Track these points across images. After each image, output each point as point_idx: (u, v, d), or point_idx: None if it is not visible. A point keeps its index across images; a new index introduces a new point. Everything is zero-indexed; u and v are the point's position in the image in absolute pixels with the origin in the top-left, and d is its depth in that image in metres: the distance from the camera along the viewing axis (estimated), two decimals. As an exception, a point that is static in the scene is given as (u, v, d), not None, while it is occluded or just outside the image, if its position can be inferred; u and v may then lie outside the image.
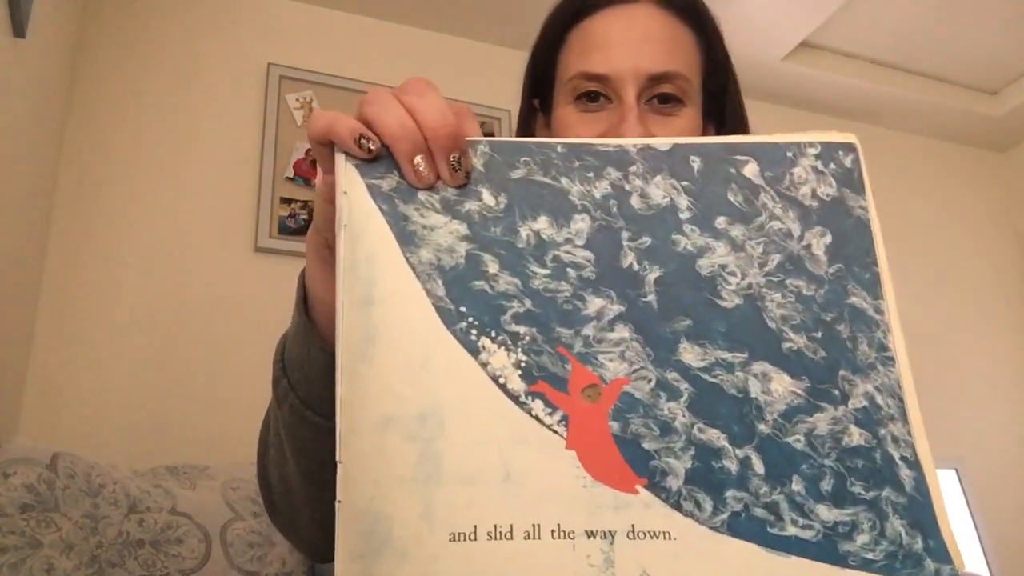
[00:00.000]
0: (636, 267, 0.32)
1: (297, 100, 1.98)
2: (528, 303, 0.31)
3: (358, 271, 0.32)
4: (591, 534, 0.27)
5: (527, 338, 0.31)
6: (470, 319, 0.31)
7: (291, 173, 1.91)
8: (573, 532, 0.27)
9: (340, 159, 0.35)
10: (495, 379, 0.30)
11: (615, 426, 0.29)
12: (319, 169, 0.39)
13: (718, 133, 0.64)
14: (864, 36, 2.42)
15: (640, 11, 0.61)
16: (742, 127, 0.66)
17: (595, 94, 0.61)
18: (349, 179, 0.34)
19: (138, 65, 1.85)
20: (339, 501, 0.29)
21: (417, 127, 0.35)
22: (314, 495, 0.47)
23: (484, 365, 0.30)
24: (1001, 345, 2.71)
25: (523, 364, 0.30)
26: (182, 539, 1.11)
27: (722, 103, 0.65)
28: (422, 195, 0.34)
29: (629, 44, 0.59)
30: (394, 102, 0.36)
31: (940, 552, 0.29)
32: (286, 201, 1.88)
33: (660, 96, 0.59)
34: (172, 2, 1.94)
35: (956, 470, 2.42)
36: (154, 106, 1.84)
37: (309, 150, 1.94)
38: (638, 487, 0.28)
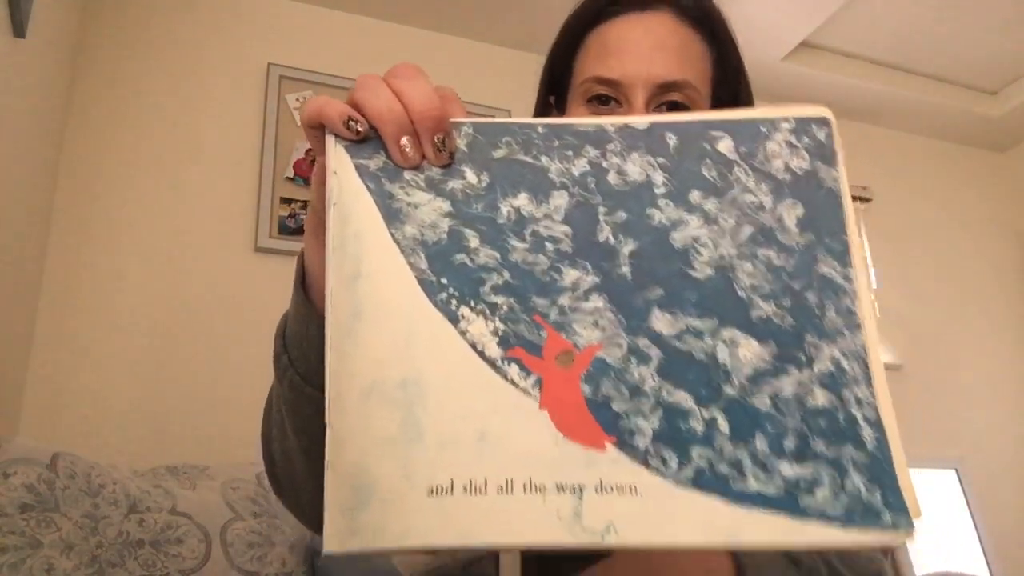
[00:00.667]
0: (612, 241, 0.34)
1: (297, 100, 1.98)
2: (506, 275, 0.33)
3: (346, 248, 0.33)
4: (561, 488, 0.29)
5: (505, 308, 0.32)
6: (451, 290, 0.32)
7: (291, 173, 1.91)
8: (544, 486, 0.29)
9: (330, 141, 0.36)
10: (473, 346, 0.31)
11: (587, 389, 0.31)
12: (319, 152, 0.41)
13: None
14: (864, 36, 2.42)
15: (656, 20, 0.63)
16: None
17: (606, 98, 0.63)
18: (338, 160, 0.36)
19: (138, 65, 1.85)
20: (328, 463, 0.30)
21: (404, 110, 0.36)
22: (315, 470, 0.48)
23: (463, 333, 0.32)
24: (1001, 345, 2.71)
25: (500, 332, 0.32)
26: (182, 539, 1.10)
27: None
28: (407, 174, 0.35)
29: (642, 52, 0.61)
30: (383, 86, 0.37)
31: (898, 505, 0.30)
32: (286, 201, 1.88)
33: (668, 104, 0.61)
34: (172, 2, 1.94)
35: (956, 470, 2.42)
36: (154, 106, 1.84)
37: (309, 150, 1.94)
38: (607, 444, 0.30)
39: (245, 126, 1.92)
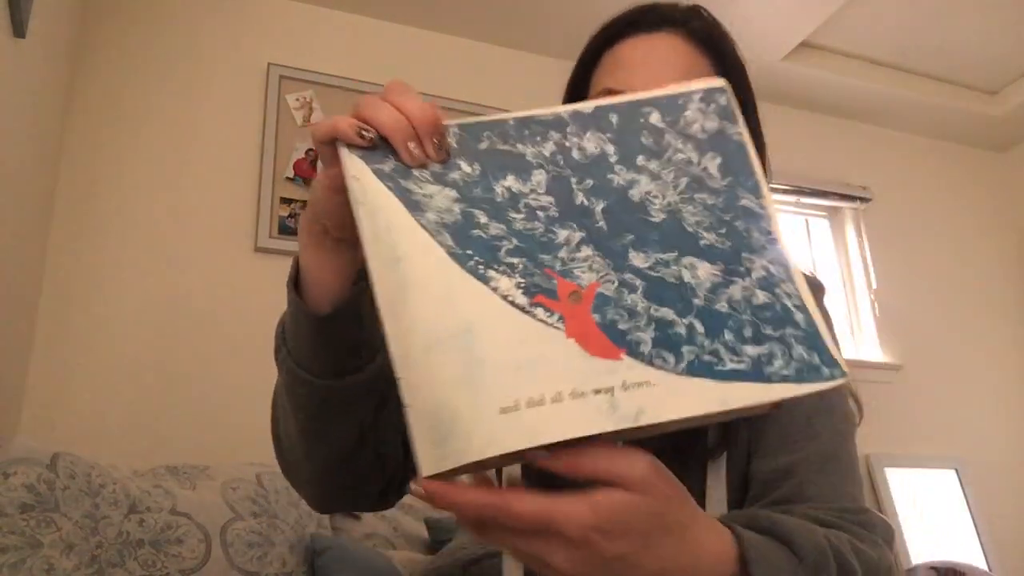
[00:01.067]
0: (586, 203, 0.43)
1: (297, 100, 1.98)
2: (515, 241, 0.41)
3: (381, 238, 0.40)
4: (597, 391, 0.37)
5: (520, 266, 0.40)
6: (476, 258, 0.40)
7: (291, 173, 1.91)
8: (585, 392, 0.37)
9: (344, 151, 0.43)
10: (505, 298, 0.39)
11: (596, 317, 0.39)
12: (320, 165, 0.47)
13: None
14: (864, 36, 2.42)
15: (663, 40, 0.71)
16: (758, 151, 0.70)
17: None
18: (356, 167, 0.42)
19: (138, 65, 1.86)
20: (408, 407, 0.36)
21: (406, 119, 0.43)
22: (310, 451, 0.56)
23: (495, 289, 0.39)
24: (1001, 345, 2.71)
25: (522, 285, 0.40)
26: (182, 539, 1.11)
27: None
28: (415, 172, 0.42)
29: (649, 67, 0.69)
30: (384, 102, 0.44)
31: (830, 361, 0.40)
32: (286, 201, 1.88)
33: None
34: (172, 2, 1.94)
35: (956, 470, 2.42)
36: (154, 106, 1.84)
37: (309, 150, 1.94)
38: (622, 355, 0.38)
39: (245, 126, 1.92)
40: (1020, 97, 2.66)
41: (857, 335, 2.58)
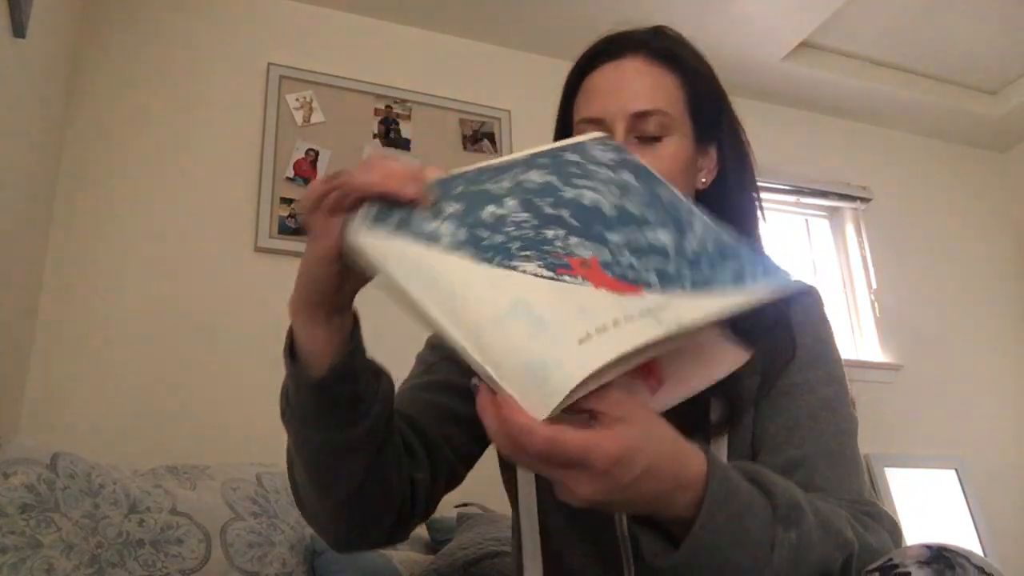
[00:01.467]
0: (555, 212, 0.53)
1: (297, 100, 1.98)
2: (519, 243, 0.50)
3: (416, 272, 0.48)
4: (642, 313, 0.47)
5: (533, 256, 0.49)
6: (498, 258, 0.49)
7: (291, 173, 1.91)
8: (634, 316, 0.46)
9: (350, 229, 0.50)
10: (535, 275, 0.48)
11: (608, 274, 0.49)
12: (316, 238, 0.52)
13: (719, 154, 0.81)
14: (864, 36, 2.42)
15: (628, 64, 0.77)
16: (739, 148, 0.81)
17: None
18: (367, 236, 0.50)
19: (138, 65, 1.86)
20: (501, 379, 0.43)
21: (393, 172, 0.51)
22: (323, 495, 0.62)
23: (524, 272, 0.48)
24: (1001, 345, 2.72)
25: (542, 265, 0.48)
26: (182, 539, 1.11)
27: (720, 129, 0.80)
28: (416, 217, 0.51)
29: (618, 91, 0.76)
30: (381, 170, 0.51)
31: (782, 272, 0.55)
32: (286, 201, 1.88)
33: (641, 136, 0.76)
34: (172, 2, 1.94)
35: (956, 470, 2.42)
36: (154, 106, 1.84)
37: (309, 150, 1.95)
38: (643, 291, 0.49)
39: (245, 126, 1.92)
40: (1020, 97, 2.66)
41: (857, 335, 2.57)
